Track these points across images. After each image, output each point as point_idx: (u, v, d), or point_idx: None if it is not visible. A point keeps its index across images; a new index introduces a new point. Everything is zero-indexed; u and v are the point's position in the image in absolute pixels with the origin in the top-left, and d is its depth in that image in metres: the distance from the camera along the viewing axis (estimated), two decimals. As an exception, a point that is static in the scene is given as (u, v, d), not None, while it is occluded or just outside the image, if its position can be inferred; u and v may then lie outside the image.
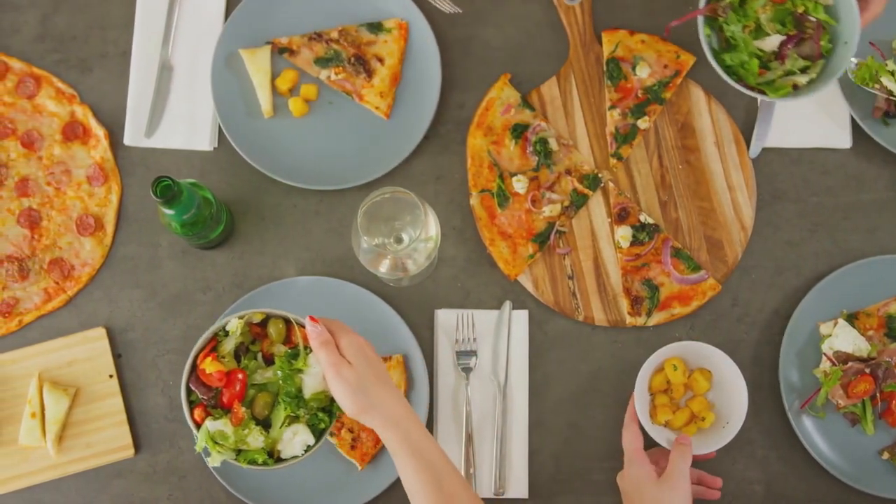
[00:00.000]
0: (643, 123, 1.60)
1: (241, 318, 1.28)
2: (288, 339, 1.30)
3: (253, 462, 1.26)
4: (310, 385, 1.26)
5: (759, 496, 1.55)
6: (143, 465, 1.55)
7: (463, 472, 1.52)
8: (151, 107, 1.61)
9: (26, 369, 1.55)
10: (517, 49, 1.64)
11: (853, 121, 1.61)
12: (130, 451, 1.54)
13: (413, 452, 1.21)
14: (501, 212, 1.58)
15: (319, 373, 1.26)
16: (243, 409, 1.26)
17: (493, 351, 1.56)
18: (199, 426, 1.26)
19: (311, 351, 1.26)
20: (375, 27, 1.61)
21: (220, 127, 1.61)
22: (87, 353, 1.55)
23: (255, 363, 1.29)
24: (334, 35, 1.61)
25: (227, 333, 1.29)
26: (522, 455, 1.54)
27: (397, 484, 1.51)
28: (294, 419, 1.27)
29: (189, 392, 1.28)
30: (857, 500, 1.54)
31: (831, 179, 1.62)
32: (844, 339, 1.52)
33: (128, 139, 1.61)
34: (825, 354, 1.53)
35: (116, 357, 1.56)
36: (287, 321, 1.30)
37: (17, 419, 1.53)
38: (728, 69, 1.51)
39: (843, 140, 1.62)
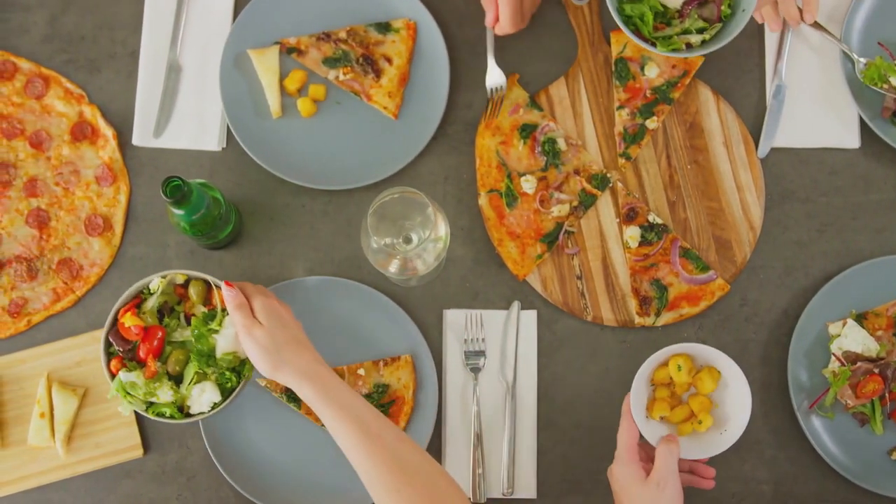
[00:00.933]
0: (651, 123, 1.60)
1: (163, 277, 1.39)
2: (209, 302, 1.41)
3: (161, 415, 1.37)
4: (222, 345, 1.37)
5: (767, 496, 1.55)
6: (151, 465, 1.55)
7: (471, 472, 1.52)
8: (160, 107, 1.61)
9: (35, 369, 1.55)
10: (525, 49, 1.64)
11: (862, 121, 1.61)
12: (139, 451, 1.54)
13: (331, 402, 1.26)
14: (510, 212, 1.58)
15: (232, 334, 1.36)
16: (157, 363, 1.35)
17: (501, 351, 1.56)
18: (114, 377, 1.37)
19: (227, 313, 1.35)
20: (384, 27, 1.61)
21: (228, 127, 1.61)
22: (96, 353, 1.55)
23: (176, 322, 1.40)
24: (342, 35, 1.61)
25: (151, 292, 1.39)
26: (531, 455, 1.54)
27: (406, 484, 1.51)
28: (203, 377, 1.37)
29: (109, 345, 1.39)
30: (865, 501, 1.54)
31: (840, 179, 1.61)
32: (853, 339, 1.52)
33: (136, 139, 1.61)
34: (834, 354, 1.52)
35: (125, 357, 1.57)
36: (208, 283, 1.40)
37: (26, 419, 1.53)
38: (627, 19, 1.54)
39: (852, 140, 1.62)
